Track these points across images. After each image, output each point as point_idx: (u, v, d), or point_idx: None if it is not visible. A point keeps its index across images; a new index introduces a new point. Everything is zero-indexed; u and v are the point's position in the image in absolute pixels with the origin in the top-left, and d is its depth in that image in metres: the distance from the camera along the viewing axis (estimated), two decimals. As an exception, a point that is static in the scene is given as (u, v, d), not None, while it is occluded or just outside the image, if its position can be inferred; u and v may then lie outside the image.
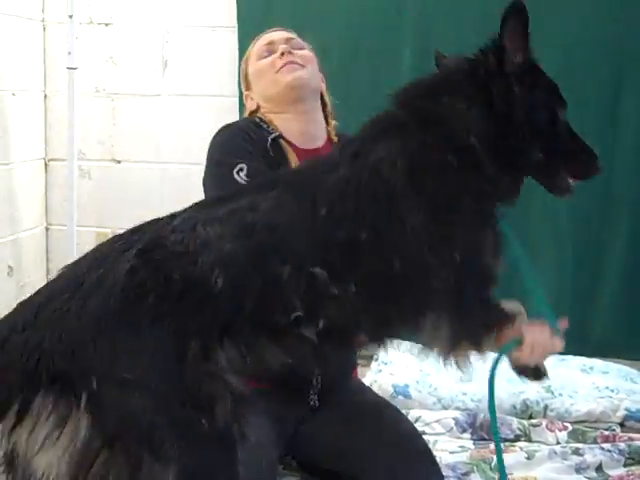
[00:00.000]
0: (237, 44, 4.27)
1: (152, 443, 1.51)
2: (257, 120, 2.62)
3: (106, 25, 4.64)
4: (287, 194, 1.78)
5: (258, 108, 2.69)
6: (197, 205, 1.86)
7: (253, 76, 2.70)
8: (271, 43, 2.66)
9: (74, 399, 1.48)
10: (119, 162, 4.73)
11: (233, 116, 3.86)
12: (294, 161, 2.50)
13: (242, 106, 2.97)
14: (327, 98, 2.77)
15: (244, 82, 2.77)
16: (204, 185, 2.52)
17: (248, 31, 3.84)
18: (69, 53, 4.37)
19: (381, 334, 1.87)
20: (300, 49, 2.67)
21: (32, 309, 1.59)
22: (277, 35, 2.70)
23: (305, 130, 2.61)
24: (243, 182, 2.32)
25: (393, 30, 4.28)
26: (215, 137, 2.57)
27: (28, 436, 1.48)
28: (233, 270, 1.63)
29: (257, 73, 2.67)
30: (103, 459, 1.48)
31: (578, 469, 3.00)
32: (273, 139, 2.52)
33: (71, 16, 4.35)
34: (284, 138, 2.57)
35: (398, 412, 2.66)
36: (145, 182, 4.60)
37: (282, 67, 2.58)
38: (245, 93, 2.77)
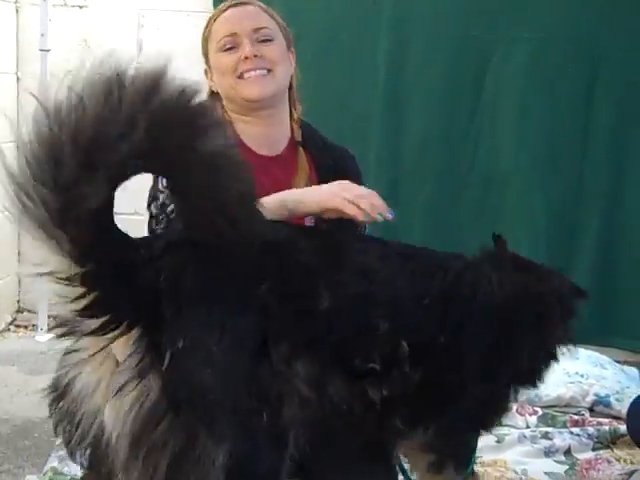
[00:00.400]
0: (212, 29, 4.25)
1: (212, 421, 1.55)
2: None
3: (80, 8, 4.60)
4: (413, 263, 1.97)
5: (219, 95, 2.55)
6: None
7: (214, 67, 2.53)
8: (235, 35, 2.44)
9: (157, 355, 1.52)
10: (93, 145, 4.70)
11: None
12: None
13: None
14: (294, 81, 2.62)
15: (204, 57, 2.60)
16: None
17: (224, 16, 3.82)
18: (42, 35, 4.33)
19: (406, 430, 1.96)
20: (268, 41, 2.48)
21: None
22: (242, 25, 2.46)
23: (266, 135, 2.51)
24: (162, 187, 2.31)
25: (369, 18, 4.29)
26: None
27: (110, 378, 1.55)
28: (343, 300, 1.75)
29: (219, 68, 2.50)
30: (166, 425, 1.52)
31: (547, 453, 3.06)
32: None
33: (44, -2, 4.30)
34: (241, 144, 2.45)
35: None
36: None
37: (246, 74, 2.42)
38: (205, 68, 2.61)
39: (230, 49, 2.44)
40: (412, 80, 4.25)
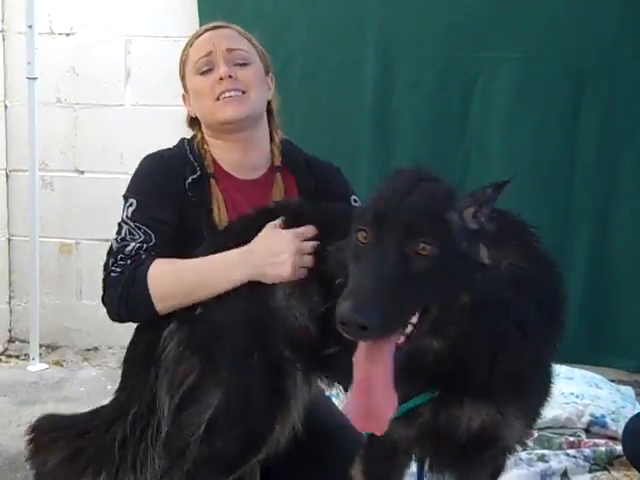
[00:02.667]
0: (200, 54, 4.26)
1: (219, 366, 2.10)
2: (188, 153, 2.49)
3: (67, 35, 4.61)
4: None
5: (197, 120, 2.56)
6: None
7: (192, 90, 2.53)
8: (210, 54, 2.45)
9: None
10: (82, 172, 4.69)
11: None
12: (218, 200, 2.44)
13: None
14: (274, 105, 2.61)
15: (182, 82, 2.59)
16: None
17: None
18: (29, 63, 4.32)
19: None
20: (243, 63, 2.48)
21: None
22: (217, 44, 2.47)
23: (243, 161, 2.52)
24: (127, 217, 2.34)
25: (356, 41, 4.30)
26: (138, 165, 2.49)
27: None
28: None
29: (195, 91, 2.51)
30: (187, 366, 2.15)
31: (544, 475, 3.03)
32: (195, 178, 2.43)
33: (31, 26, 4.30)
34: (219, 170, 2.50)
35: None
36: (109, 192, 4.54)
37: (221, 95, 2.42)
38: (183, 94, 2.61)
39: (206, 72, 2.45)
40: (400, 102, 4.27)
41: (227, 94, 2.41)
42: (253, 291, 2.16)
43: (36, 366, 4.37)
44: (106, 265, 2.34)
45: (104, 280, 2.34)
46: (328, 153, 4.26)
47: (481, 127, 4.24)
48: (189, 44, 2.54)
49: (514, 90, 4.18)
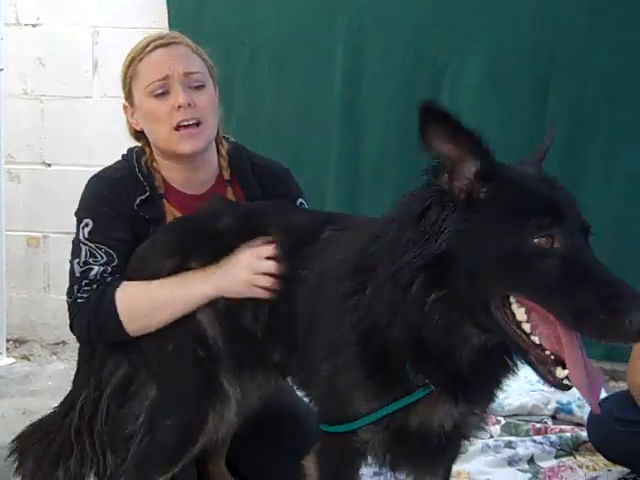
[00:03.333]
0: (168, 46, 4.24)
1: (150, 361, 2.21)
2: (137, 171, 2.48)
3: (33, 26, 4.56)
4: None
5: (143, 134, 2.53)
6: None
7: (142, 110, 2.46)
8: (167, 78, 2.39)
9: None
10: (49, 165, 4.65)
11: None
12: (172, 216, 2.47)
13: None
14: (219, 115, 2.57)
15: (126, 93, 2.52)
16: None
17: (179, 33, 3.82)
18: (-6, 54, 4.28)
19: None
20: (200, 88, 2.45)
21: None
22: (173, 68, 2.40)
23: (193, 179, 2.53)
24: (85, 237, 2.34)
25: (326, 32, 4.31)
26: (87, 185, 2.49)
27: None
28: None
29: (148, 115, 2.45)
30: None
31: (511, 462, 3.07)
32: (143, 199, 2.44)
33: (-4, 17, 4.26)
34: (170, 188, 2.51)
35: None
36: (77, 185, 4.38)
37: (180, 126, 2.38)
38: (124, 103, 2.55)
39: (161, 95, 2.40)
40: (369, 92, 4.28)
41: (185, 123, 2.39)
42: None
43: (3, 360, 4.35)
44: (70, 291, 2.34)
45: (70, 307, 2.35)
46: (298, 142, 4.33)
47: (450, 115, 4.26)
48: (138, 57, 2.46)
49: (483, 81, 4.21)
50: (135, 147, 2.58)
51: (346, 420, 1.89)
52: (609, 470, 2.94)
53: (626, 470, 2.82)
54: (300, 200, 2.62)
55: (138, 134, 2.56)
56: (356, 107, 4.31)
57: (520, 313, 1.60)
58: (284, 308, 2.12)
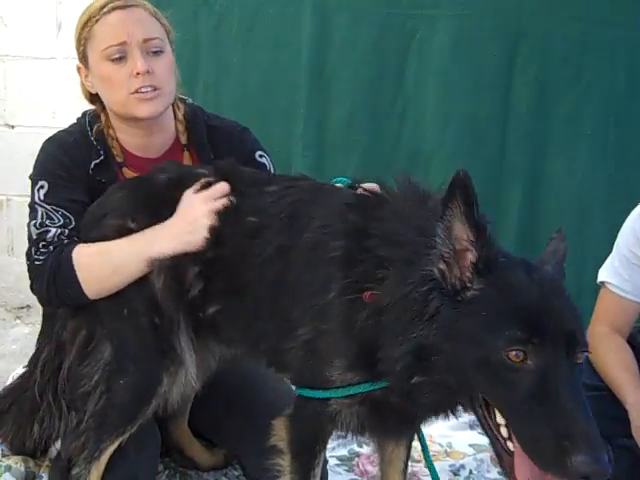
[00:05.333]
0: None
1: (104, 320, 2.24)
2: (90, 137, 2.46)
3: (-5, -15, 4.47)
4: None
5: (98, 96, 2.49)
6: None
7: (98, 74, 2.42)
8: (124, 44, 2.35)
9: None
10: (13, 127, 4.59)
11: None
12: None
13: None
14: (177, 79, 2.53)
15: (80, 55, 2.47)
16: None
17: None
18: (-43, 14, 4.20)
19: None
20: (158, 53, 2.41)
21: None
22: (132, 34, 2.36)
23: (148, 143, 2.52)
24: (40, 199, 2.33)
25: (292, 3, 4.26)
26: (41, 147, 2.48)
27: None
28: None
29: (104, 79, 2.40)
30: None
31: (472, 425, 3.12)
32: (98, 163, 2.43)
33: (-44, -26, 4.17)
34: (127, 154, 2.51)
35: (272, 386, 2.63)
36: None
37: (138, 91, 2.36)
38: (78, 65, 2.50)
39: (118, 60, 2.36)
40: (336, 57, 4.25)
41: (143, 89, 2.37)
42: None
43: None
44: (29, 253, 2.33)
45: (29, 269, 2.34)
46: (264, 107, 4.30)
47: (417, 83, 4.25)
48: (94, 18, 2.39)
49: (450, 47, 4.19)
50: (89, 111, 2.55)
51: (321, 386, 1.91)
52: (568, 433, 3.00)
53: (584, 433, 2.86)
54: (259, 153, 2.61)
55: (92, 97, 2.53)
56: (324, 72, 4.28)
57: (500, 416, 1.58)
58: (226, 258, 2.15)
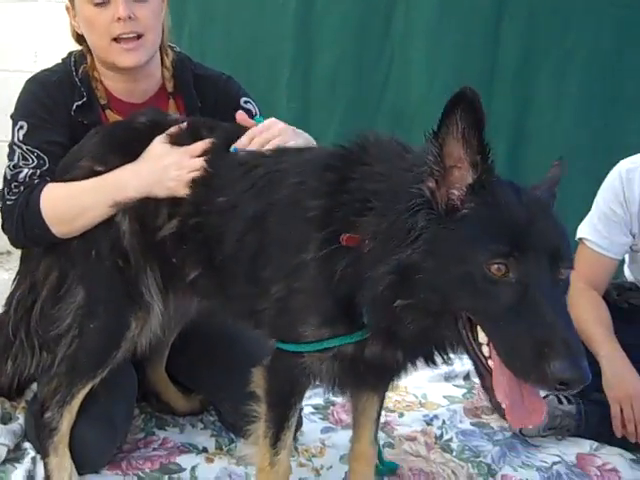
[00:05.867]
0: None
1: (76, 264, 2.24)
2: (74, 77, 2.43)
3: None
4: None
5: (84, 38, 2.46)
6: None
7: (81, 16, 2.39)
8: None
9: None
10: (-7, 70, 4.53)
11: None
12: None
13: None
14: (166, 26, 2.53)
15: None
16: None
17: None
18: None
19: None
20: (142, 0, 2.36)
21: None
22: None
23: (133, 89, 2.50)
24: (19, 140, 2.32)
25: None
26: (23, 86, 2.45)
27: None
28: None
29: (87, 22, 2.37)
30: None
31: (447, 378, 3.17)
32: (80, 105, 2.40)
33: None
34: (111, 97, 2.48)
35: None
36: None
37: (119, 37, 2.32)
38: (67, 4, 2.46)
39: (101, 3, 2.32)
40: (323, 7, 4.22)
41: (124, 36, 2.34)
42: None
43: None
44: (2, 194, 2.33)
45: (1, 209, 2.34)
46: (250, 59, 4.26)
47: (404, 38, 4.22)
48: None
49: (438, 2, 4.16)
50: (75, 51, 2.52)
51: (294, 341, 1.92)
52: (542, 386, 3.04)
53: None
54: (244, 99, 2.59)
55: (80, 37, 2.50)
56: (309, 21, 4.24)
57: (483, 336, 1.58)
58: (201, 218, 2.14)
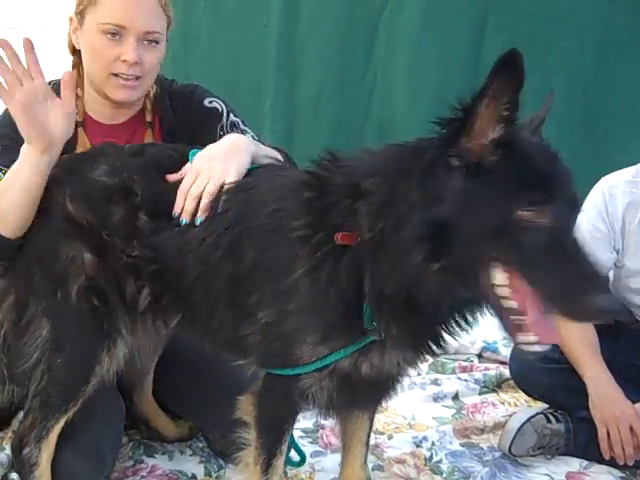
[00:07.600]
0: None
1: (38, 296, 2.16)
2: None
3: None
4: None
5: (80, 54, 2.46)
6: None
7: (88, 40, 2.38)
8: (124, 28, 2.33)
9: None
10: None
11: None
12: (84, 144, 2.45)
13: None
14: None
15: (77, 7, 2.41)
16: None
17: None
18: None
19: None
20: (153, 44, 2.38)
21: None
22: (134, 23, 2.34)
23: (114, 115, 2.51)
24: None
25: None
26: (4, 112, 2.39)
27: None
28: None
29: (93, 48, 2.37)
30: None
31: (436, 398, 3.16)
32: None
33: None
34: (87, 118, 2.49)
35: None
36: None
37: (119, 76, 2.35)
38: (71, 16, 2.45)
39: (113, 36, 2.34)
40: (305, 31, 4.25)
41: (124, 76, 2.36)
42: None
43: None
44: None
45: None
46: (233, 82, 4.27)
47: (387, 56, 4.26)
48: None
49: (420, 20, 4.19)
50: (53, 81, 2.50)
51: (290, 365, 1.91)
52: (529, 406, 3.05)
53: (545, 405, 2.91)
54: (208, 99, 2.57)
55: (75, 50, 2.50)
56: (293, 45, 4.28)
57: (497, 278, 1.63)
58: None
